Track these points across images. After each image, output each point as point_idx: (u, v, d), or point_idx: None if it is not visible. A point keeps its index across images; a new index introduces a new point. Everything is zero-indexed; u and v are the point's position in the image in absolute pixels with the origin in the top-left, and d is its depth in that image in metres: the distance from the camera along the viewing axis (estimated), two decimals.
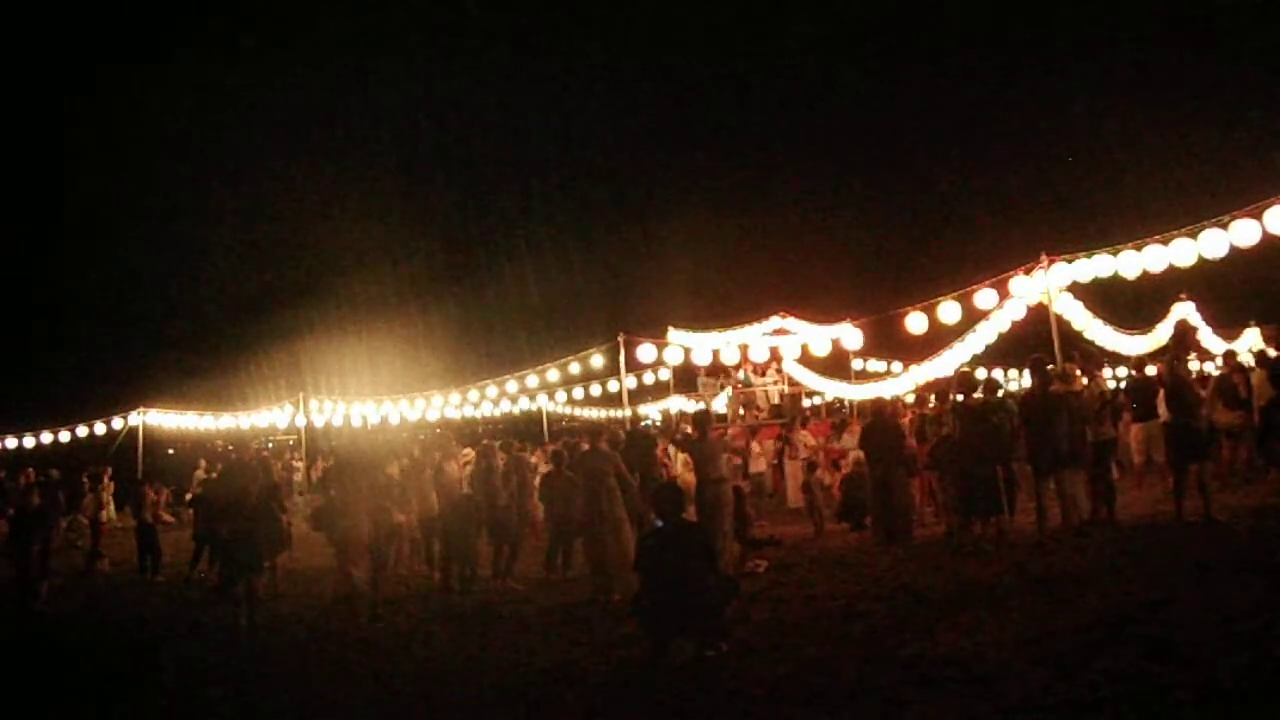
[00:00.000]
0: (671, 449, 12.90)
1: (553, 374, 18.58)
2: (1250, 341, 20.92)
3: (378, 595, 8.32)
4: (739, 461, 15.22)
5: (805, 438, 15.65)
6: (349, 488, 8.53)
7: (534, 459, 13.82)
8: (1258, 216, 9.65)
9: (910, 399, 17.84)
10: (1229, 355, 13.91)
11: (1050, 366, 9.68)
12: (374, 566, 8.38)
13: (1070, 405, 9.14)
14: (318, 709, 5.69)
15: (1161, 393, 9.27)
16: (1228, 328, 20.56)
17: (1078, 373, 10.25)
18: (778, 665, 5.44)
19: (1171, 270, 10.83)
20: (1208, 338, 20.70)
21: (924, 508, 11.60)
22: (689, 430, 10.93)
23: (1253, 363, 12.03)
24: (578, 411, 28.35)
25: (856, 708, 4.53)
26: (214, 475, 14.76)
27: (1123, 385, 15.61)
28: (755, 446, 16.61)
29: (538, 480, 11.61)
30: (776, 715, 4.62)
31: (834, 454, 15.03)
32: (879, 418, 11.03)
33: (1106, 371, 26.22)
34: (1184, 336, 8.80)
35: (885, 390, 18.52)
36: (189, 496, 13.01)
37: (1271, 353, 14.10)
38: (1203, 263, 10.43)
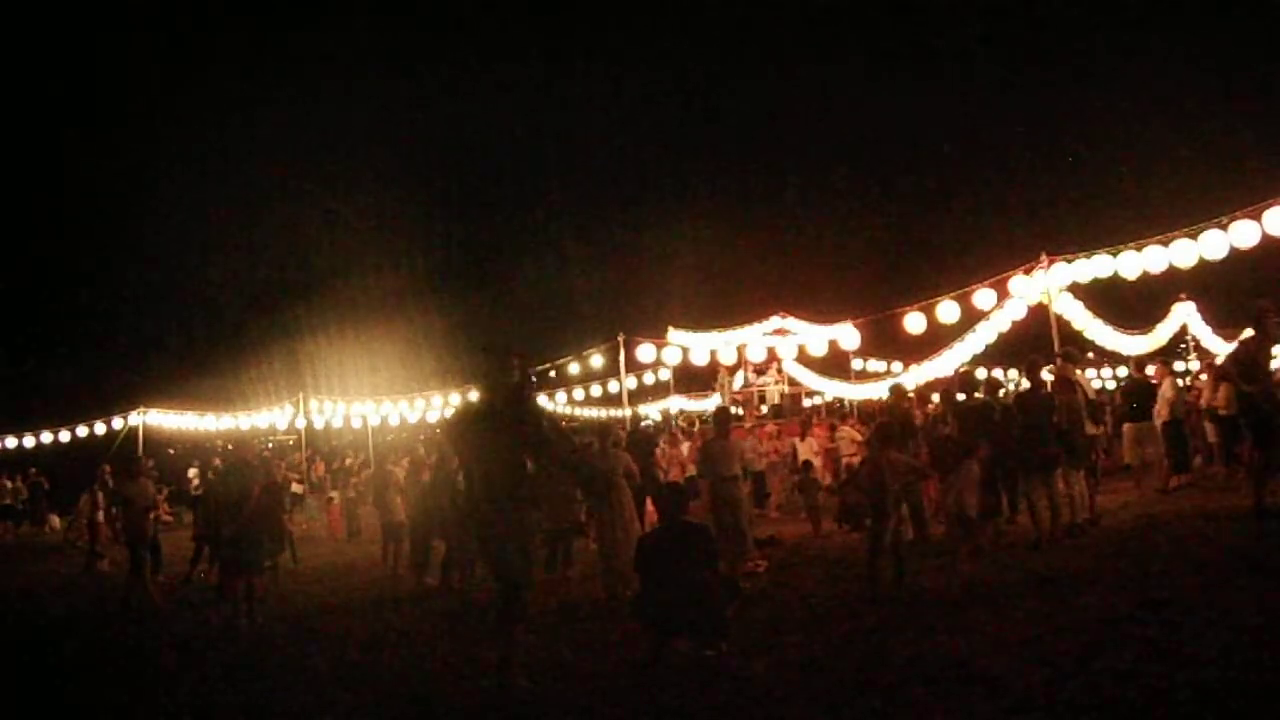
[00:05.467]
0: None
1: (552, 374, 18.60)
2: None
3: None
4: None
5: (851, 433, 15.53)
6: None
7: None
8: (1257, 217, 9.68)
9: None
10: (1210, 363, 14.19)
11: (1050, 366, 9.68)
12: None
13: (1069, 405, 9.12)
14: (318, 709, 5.69)
15: (1232, 373, 8.52)
16: (1228, 328, 20.57)
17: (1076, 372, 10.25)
18: (778, 665, 5.44)
19: (1171, 270, 10.85)
20: (1208, 338, 20.72)
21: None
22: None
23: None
24: (578, 411, 28.33)
25: (856, 708, 4.53)
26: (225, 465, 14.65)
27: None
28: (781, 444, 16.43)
29: None
30: (776, 715, 4.61)
31: None
32: (895, 414, 10.96)
33: (1106, 372, 26.23)
34: (1263, 318, 7.96)
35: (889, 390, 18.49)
36: (202, 490, 13.02)
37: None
38: (1203, 263, 10.44)
